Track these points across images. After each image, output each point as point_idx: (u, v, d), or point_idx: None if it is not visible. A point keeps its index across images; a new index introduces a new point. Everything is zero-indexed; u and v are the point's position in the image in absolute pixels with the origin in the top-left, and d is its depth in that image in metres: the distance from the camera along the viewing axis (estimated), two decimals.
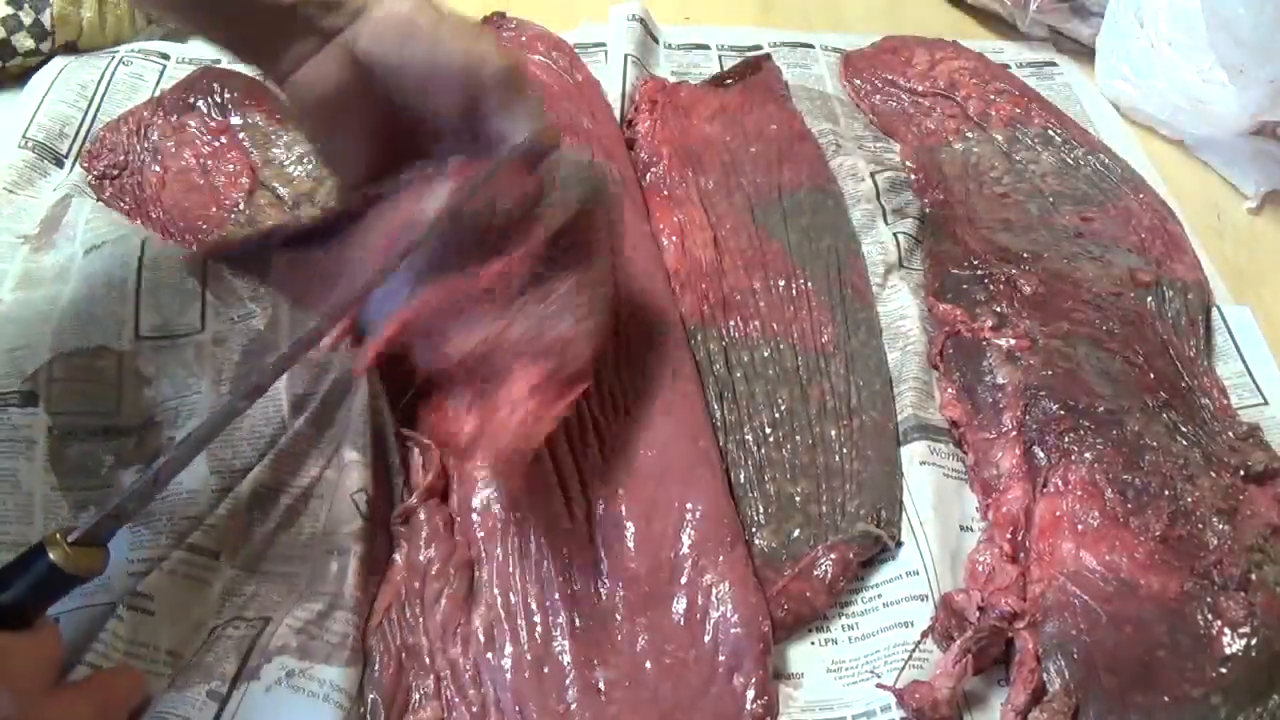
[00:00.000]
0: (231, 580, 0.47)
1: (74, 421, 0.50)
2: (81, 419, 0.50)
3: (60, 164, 0.68)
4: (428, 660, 0.46)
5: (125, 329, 0.52)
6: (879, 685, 0.47)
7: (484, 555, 0.49)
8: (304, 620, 0.44)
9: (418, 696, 0.45)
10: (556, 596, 0.47)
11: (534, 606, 0.47)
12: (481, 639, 0.46)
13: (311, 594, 0.46)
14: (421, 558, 0.48)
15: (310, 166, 0.66)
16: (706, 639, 0.47)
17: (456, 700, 0.45)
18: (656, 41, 0.85)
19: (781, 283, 0.63)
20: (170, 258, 0.57)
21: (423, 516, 0.49)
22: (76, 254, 0.58)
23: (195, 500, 0.49)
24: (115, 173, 0.66)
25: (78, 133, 0.71)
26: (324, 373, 0.52)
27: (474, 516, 0.50)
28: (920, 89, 0.81)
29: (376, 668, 0.45)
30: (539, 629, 0.46)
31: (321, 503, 0.49)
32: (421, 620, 0.47)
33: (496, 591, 0.47)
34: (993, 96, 0.80)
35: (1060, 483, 0.51)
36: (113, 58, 0.77)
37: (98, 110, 0.72)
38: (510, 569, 0.48)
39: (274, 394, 0.51)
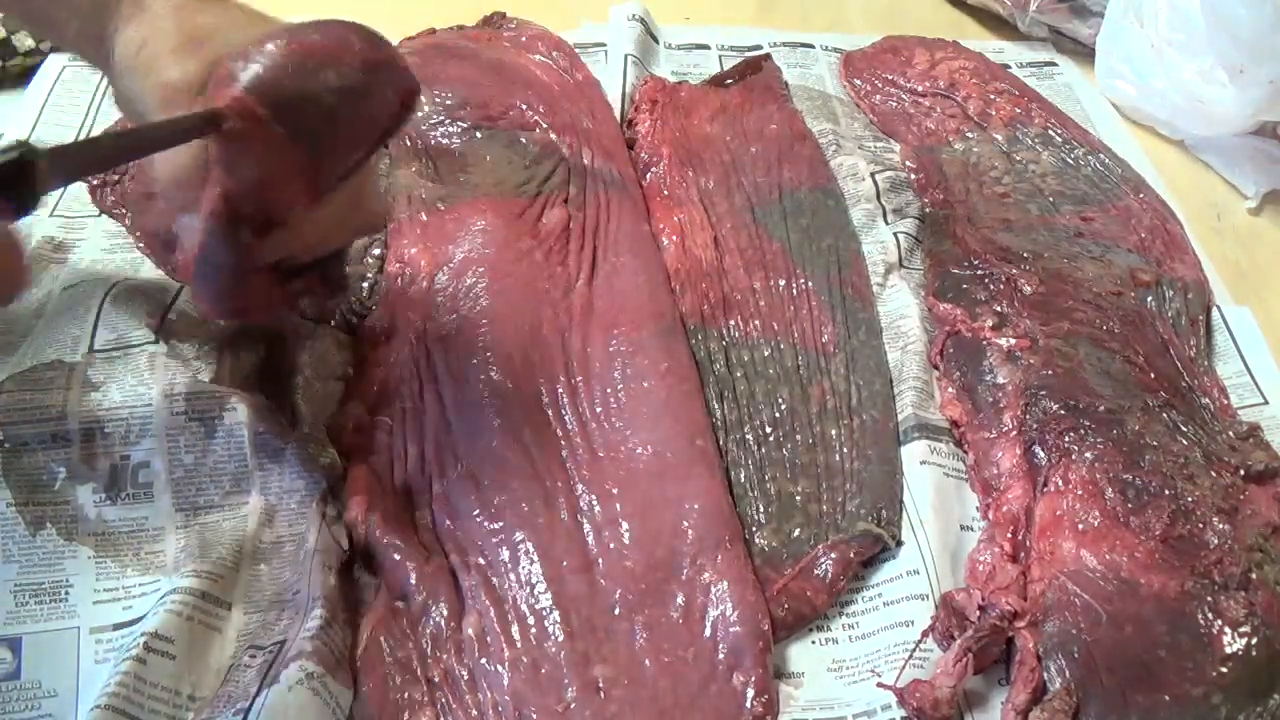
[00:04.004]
0: (244, 623, 0.47)
1: (23, 431, 0.49)
2: (29, 427, 0.49)
3: None
4: (418, 670, 0.45)
5: (80, 345, 0.52)
6: (880, 684, 0.47)
7: (467, 564, 0.48)
8: (314, 629, 0.45)
9: (409, 710, 0.44)
10: (550, 597, 0.47)
11: (525, 609, 0.47)
12: (475, 645, 0.46)
13: (314, 602, 0.46)
14: (400, 577, 0.48)
15: None
16: (706, 637, 0.47)
17: (454, 706, 0.44)
18: (656, 41, 0.85)
19: (782, 282, 0.63)
20: (136, 286, 0.57)
21: (385, 540, 0.48)
22: (55, 291, 0.58)
23: (160, 535, 0.49)
24: (115, 178, 0.66)
25: None
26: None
27: (451, 527, 0.50)
28: (920, 89, 0.81)
29: (364, 688, 0.45)
30: (533, 630, 0.46)
31: (310, 528, 0.49)
32: (410, 635, 0.46)
33: (485, 598, 0.47)
34: (993, 96, 0.80)
35: (1061, 482, 0.51)
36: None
37: (93, 124, 0.72)
38: (497, 574, 0.48)
39: (237, 432, 0.51)
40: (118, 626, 0.46)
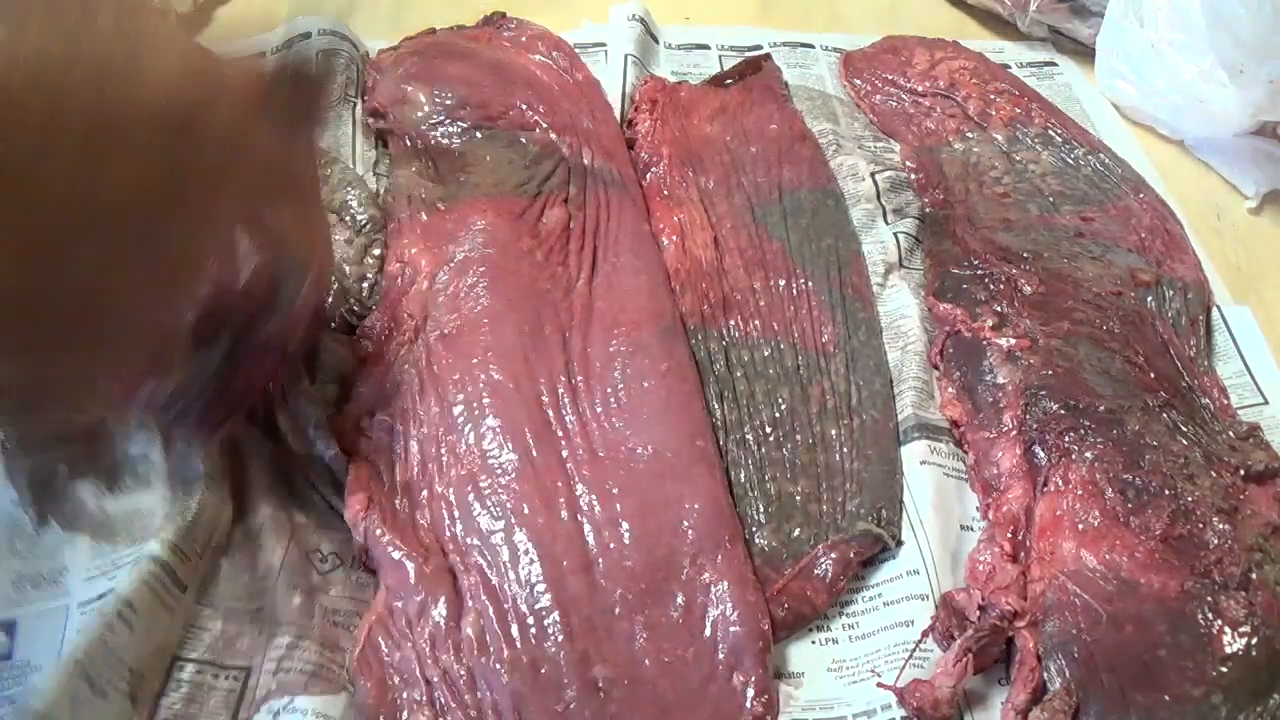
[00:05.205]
0: (192, 613, 0.47)
1: (26, 431, 0.49)
2: (33, 427, 0.49)
3: None
4: (417, 670, 0.45)
5: None
6: (880, 684, 0.47)
7: (465, 564, 0.48)
8: (277, 658, 0.45)
9: (407, 710, 0.44)
10: (550, 597, 0.47)
11: (525, 609, 0.47)
12: (474, 644, 0.46)
13: (278, 628, 0.46)
14: (400, 576, 0.48)
15: (325, 173, 0.65)
16: (706, 637, 0.47)
17: (452, 706, 0.44)
18: (656, 41, 0.85)
19: (782, 282, 0.63)
20: None
21: (385, 539, 0.48)
22: None
23: (151, 514, 0.49)
24: None
25: None
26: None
27: (451, 527, 0.50)
28: (920, 89, 0.81)
29: (362, 690, 0.45)
30: (533, 630, 0.46)
31: (276, 540, 0.49)
32: (409, 635, 0.46)
33: (485, 598, 0.47)
34: (993, 96, 0.80)
35: (1061, 482, 0.51)
36: None
37: None
38: (496, 574, 0.48)
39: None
40: (101, 596, 0.46)
